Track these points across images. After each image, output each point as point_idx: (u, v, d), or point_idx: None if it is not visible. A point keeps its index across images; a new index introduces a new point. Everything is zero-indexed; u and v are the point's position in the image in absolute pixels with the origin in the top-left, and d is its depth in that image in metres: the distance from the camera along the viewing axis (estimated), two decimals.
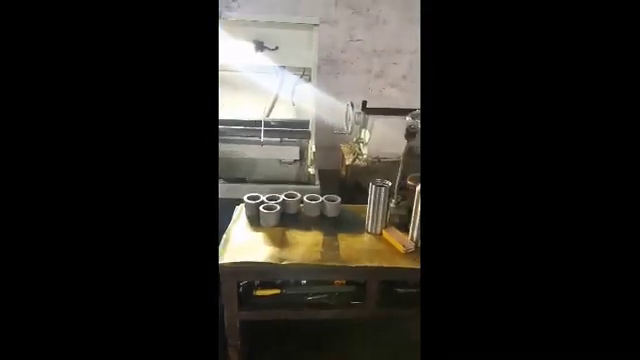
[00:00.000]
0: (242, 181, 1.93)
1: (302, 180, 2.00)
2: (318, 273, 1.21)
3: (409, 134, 1.28)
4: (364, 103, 2.06)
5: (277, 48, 2.19)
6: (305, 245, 1.26)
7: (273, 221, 1.37)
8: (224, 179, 1.89)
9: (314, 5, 2.71)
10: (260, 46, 2.17)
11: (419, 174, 1.48)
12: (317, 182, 1.99)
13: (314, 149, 2.22)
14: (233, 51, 2.15)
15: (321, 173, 2.12)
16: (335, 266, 1.18)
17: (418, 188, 1.27)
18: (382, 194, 1.33)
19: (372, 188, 1.33)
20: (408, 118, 1.25)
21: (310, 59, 2.23)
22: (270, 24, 2.17)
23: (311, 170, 2.09)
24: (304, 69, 2.31)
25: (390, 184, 1.35)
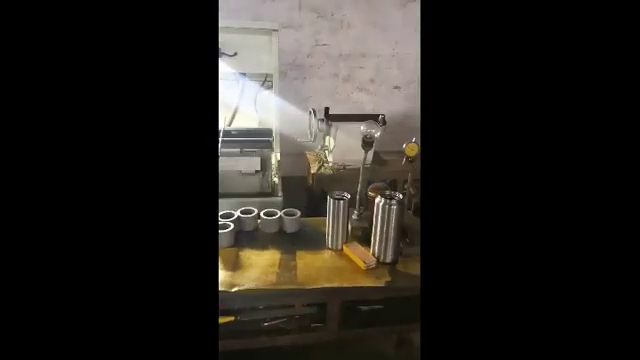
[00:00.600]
0: None
1: (265, 191, 1.91)
2: (273, 298, 1.12)
3: (365, 144, 1.22)
4: (326, 110, 1.99)
5: (236, 54, 2.10)
6: (260, 267, 1.18)
7: (226, 241, 1.27)
8: None
9: (277, 9, 2.63)
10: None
11: (380, 183, 1.43)
12: (280, 193, 1.90)
13: (278, 157, 2.13)
14: None
15: (287, 180, 2.04)
16: (291, 289, 1.10)
17: (377, 200, 1.21)
18: (341, 207, 1.26)
19: (330, 201, 1.25)
20: (362, 127, 1.19)
21: (272, 65, 2.14)
22: (228, 29, 2.07)
23: (276, 179, 2.00)
24: (266, 75, 2.22)
25: (349, 196, 1.28)
